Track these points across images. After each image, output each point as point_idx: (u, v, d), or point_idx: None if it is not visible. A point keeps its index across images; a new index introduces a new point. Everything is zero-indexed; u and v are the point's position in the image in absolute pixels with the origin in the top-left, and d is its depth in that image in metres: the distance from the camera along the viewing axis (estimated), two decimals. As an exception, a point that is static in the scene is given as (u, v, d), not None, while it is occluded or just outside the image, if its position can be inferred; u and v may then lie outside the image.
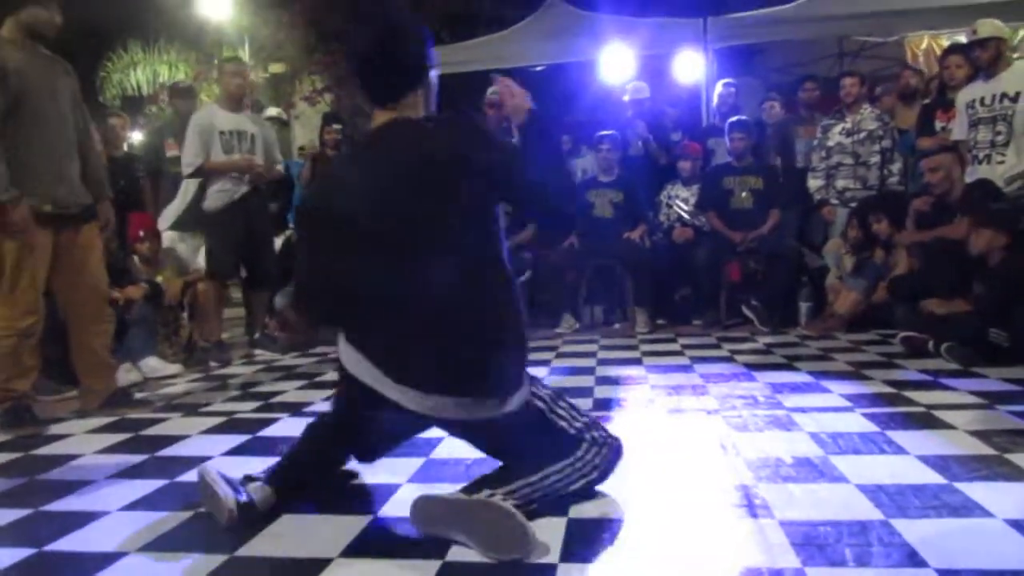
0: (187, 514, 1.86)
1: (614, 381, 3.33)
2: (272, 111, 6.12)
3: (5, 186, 2.71)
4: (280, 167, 4.78)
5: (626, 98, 5.94)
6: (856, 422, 2.43)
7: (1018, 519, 1.58)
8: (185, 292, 4.58)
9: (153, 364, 3.94)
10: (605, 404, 2.88)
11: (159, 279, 4.42)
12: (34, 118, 2.85)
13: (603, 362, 3.81)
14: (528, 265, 5.26)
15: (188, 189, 4.83)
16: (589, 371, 3.58)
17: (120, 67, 10.18)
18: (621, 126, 5.66)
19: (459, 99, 7.80)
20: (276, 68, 11.44)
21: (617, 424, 2.56)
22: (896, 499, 1.73)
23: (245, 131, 4.43)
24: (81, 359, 3.12)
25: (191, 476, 2.17)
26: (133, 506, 1.95)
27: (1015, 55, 5.32)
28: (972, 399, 2.70)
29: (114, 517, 1.87)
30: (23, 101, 2.81)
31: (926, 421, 2.42)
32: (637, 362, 3.78)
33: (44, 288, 2.95)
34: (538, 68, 7.30)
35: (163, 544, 1.69)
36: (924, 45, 7.20)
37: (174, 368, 4.04)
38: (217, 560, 1.57)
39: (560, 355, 4.09)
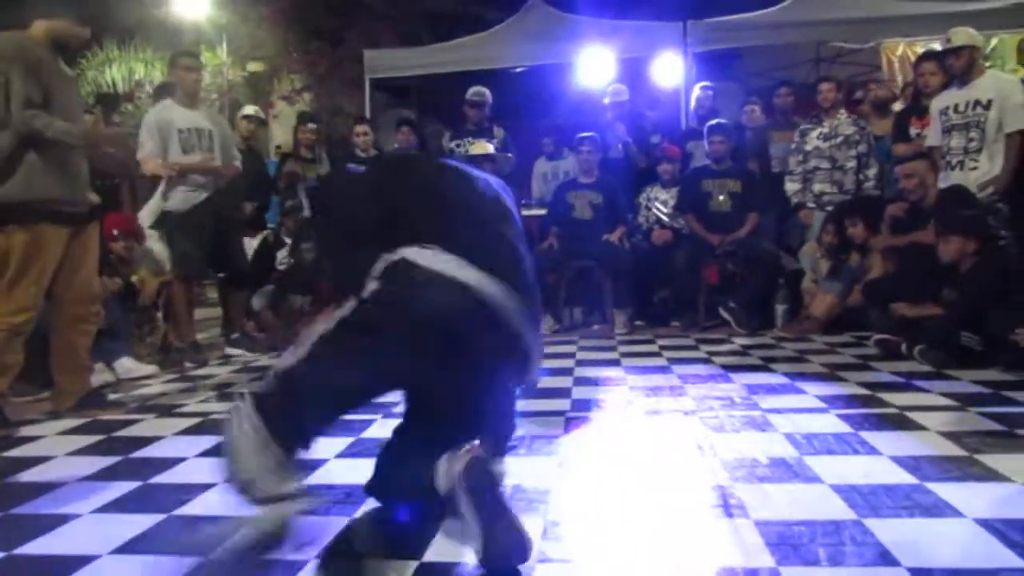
0: (160, 516, 1.83)
1: (593, 382, 3.34)
2: (249, 109, 6.04)
3: (68, 129, 2.78)
4: (237, 163, 4.60)
5: (606, 101, 5.96)
6: (830, 423, 2.46)
7: (988, 519, 1.60)
8: (161, 292, 4.52)
9: (127, 365, 3.88)
10: (583, 405, 2.89)
11: (134, 279, 4.36)
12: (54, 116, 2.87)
13: (582, 363, 3.82)
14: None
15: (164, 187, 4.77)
16: (568, 372, 3.58)
17: (95, 64, 10.02)
18: (601, 128, 5.68)
19: (439, 100, 7.82)
20: (255, 66, 11.34)
21: (595, 425, 2.57)
22: (869, 499, 1.75)
23: (203, 128, 4.30)
24: (60, 359, 3.07)
25: (165, 478, 2.15)
26: (105, 508, 1.92)
27: (987, 63, 5.43)
28: (944, 401, 2.74)
29: (86, 520, 1.84)
30: (49, 100, 2.84)
31: (899, 422, 2.45)
32: (615, 363, 3.79)
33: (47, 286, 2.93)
34: (518, 69, 7.31)
35: (136, 547, 1.66)
36: (899, 52, 7.31)
37: (149, 369, 3.98)
38: (191, 562, 1.55)
39: (539, 356, 4.09)
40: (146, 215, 4.67)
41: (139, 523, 1.79)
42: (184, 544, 1.66)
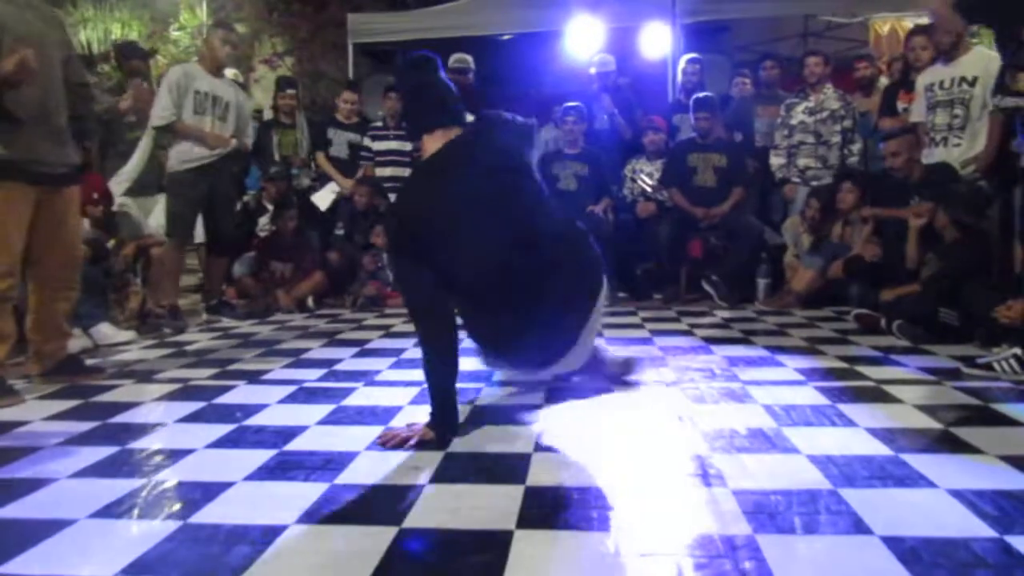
0: (139, 482, 1.82)
1: (575, 353, 3.34)
2: (228, 73, 5.92)
3: None
4: (248, 140, 4.69)
5: (592, 71, 5.91)
6: (809, 395, 2.49)
7: (960, 489, 1.63)
8: (138, 256, 4.46)
9: (105, 331, 3.83)
10: (565, 376, 2.89)
11: (111, 243, 4.29)
12: None
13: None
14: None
15: (146, 149, 4.70)
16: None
17: (69, 24, 9.76)
18: (587, 99, 5.64)
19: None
20: (235, 29, 11.10)
21: (576, 396, 2.58)
22: (844, 470, 1.77)
23: (221, 97, 4.39)
24: (39, 323, 3.00)
25: (142, 443, 2.14)
26: (82, 473, 1.90)
27: (974, 40, 5.42)
28: (920, 375, 2.78)
29: (63, 484, 1.83)
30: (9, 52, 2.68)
31: (876, 395, 2.48)
32: (598, 335, 3.79)
33: (23, 250, 2.83)
34: (505, 37, 7.22)
35: (113, 511, 1.65)
36: (887, 27, 7.29)
37: (127, 335, 3.94)
38: (169, 527, 1.55)
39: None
40: (123, 178, 4.60)
41: (117, 488, 1.78)
42: (163, 509, 1.65)
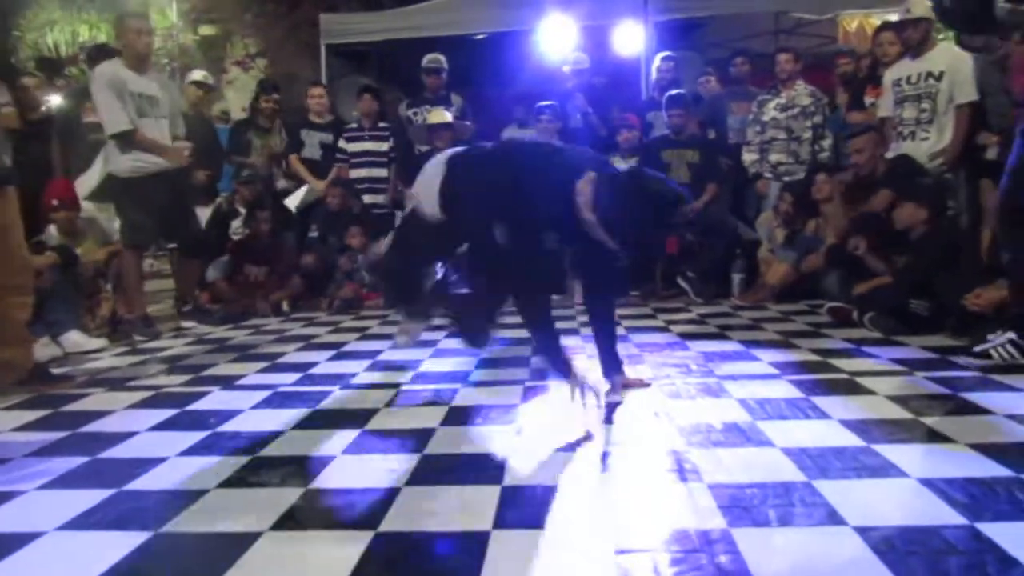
0: (109, 492, 1.79)
1: (552, 351, 3.35)
2: (197, 75, 5.84)
3: None
4: (181, 133, 4.42)
5: (566, 69, 5.91)
6: (783, 389, 2.51)
7: (931, 479, 1.65)
8: (109, 263, 4.39)
9: (75, 339, 3.76)
10: (542, 374, 2.89)
11: (79, 250, 4.22)
12: None
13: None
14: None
15: (108, 156, 4.62)
16: (527, 341, 3.58)
17: (36, 26, 9.60)
18: (561, 98, 5.64)
19: (398, 66, 7.66)
20: (207, 30, 10.98)
21: (553, 393, 2.58)
22: (818, 461, 1.79)
23: (153, 95, 4.16)
24: None
25: (114, 452, 2.10)
26: (52, 484, 1.87)
27: (940, 36, 5.51)
28: (892, 366, 2.81)
29: (31, 496, 1.79)
30: None
31: (849, 387, 2.51)
32: (575, 332, 3.80)
33: None
34: (479, 36, 7.20)
35: (83, 523, 1.62)
36: (856, 24, 7.38)
37: (98, 343, 3.88)
38: (141, 537, 1.52)
39: (499, 326, 4.08)
40: (83, 185, 4.50)
41: (87, 498, 1.75)
42: (134, 519, 1.62)
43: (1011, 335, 2.70)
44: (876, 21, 6.36)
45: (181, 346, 3.91)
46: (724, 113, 5.66)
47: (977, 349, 2.78)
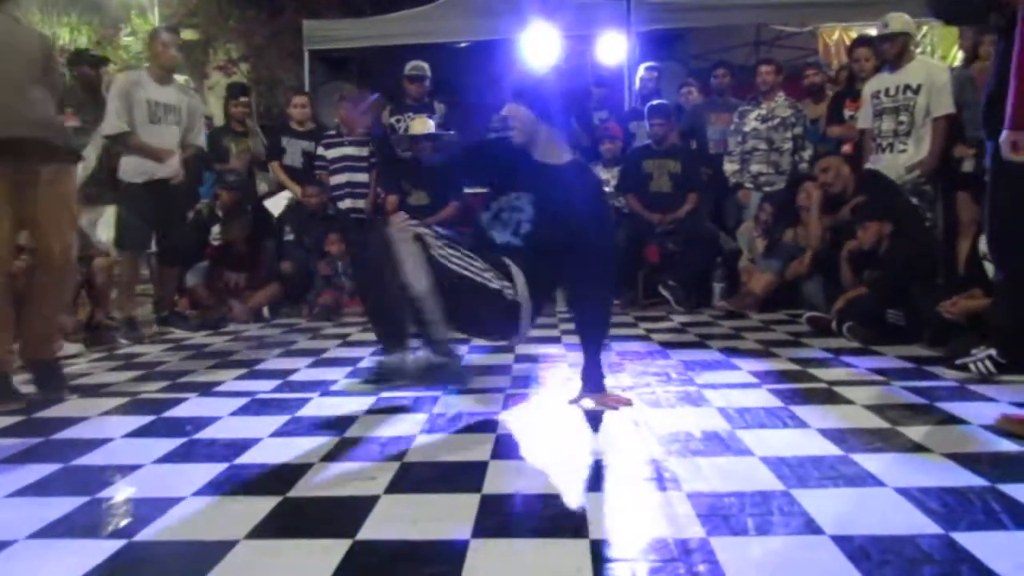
0: (83, 499, 1.76)
1: (533, 359, 3.35)
2: (179, 78, 5.79)
3: None
4: (201, 142, 4.65)
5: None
6: (762, 398, 2.53)
7: (907, 487, 1.67)
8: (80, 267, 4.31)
9: (50, 343, 3.70)
10: (523, 382, 2.89)
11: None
12: None
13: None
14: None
15: (90, 159, 4.57)
16: (508, 349, 3.58)
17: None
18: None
19: (381, 73, 7.65)
20: (188, 35, 10.88)
21: (534, 401, 2.58)
22: (796, 470, 1.80)
23: (172, 104, 4.36)
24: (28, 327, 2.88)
25: (88, 459, 2.07)
26: (23, 492, 1.83)
27: (917, 49, 5.60)
28: (869, 376, 2.84)
29: (3, 504, 1.76)
30: None
31: (827, 397, 2.53)
32: (556, 340, 3.81)
33: None
34: (462, 45, 7.22)
35: (55, 531, 1.59)
36: (835, 36, 7.49)
37: (73, 348, 3.83)
38: (114, 546, 1.50)
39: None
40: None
41: (60, 506, 1.72)
42: (108, 527, 1.60)
43: (992, 352, 2.75)
44: (854, 33, 6.47)
45: (158, 352, 3.86)
46: (704, 123, 5.71)
47: (958, 362, 2.82)
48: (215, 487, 1.82)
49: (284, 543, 1.51)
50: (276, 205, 5.52)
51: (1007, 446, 1.97)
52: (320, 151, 5.62)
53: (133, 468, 1.98)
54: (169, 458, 2.07)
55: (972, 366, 2.76)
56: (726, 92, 5.78)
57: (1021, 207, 2.58)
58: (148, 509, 1.68)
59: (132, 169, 4.26)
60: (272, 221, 5.50)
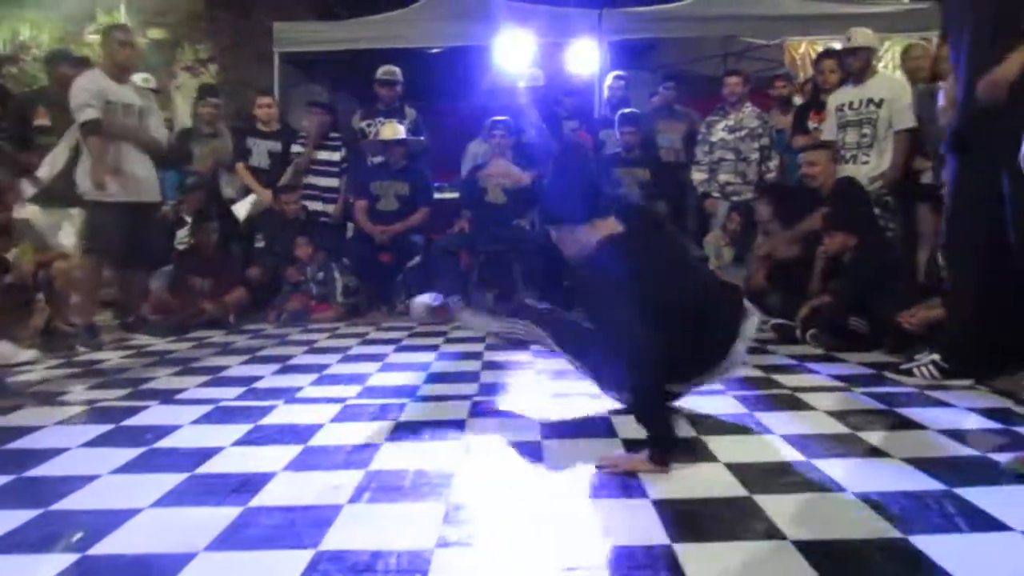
0: (36, 512, 1.71)
1: (501, 366, 3.34)
2: (138, 78, 5.67)
3: None
4: (160, 135, 4.53)
5: (521, 84, 5.94)
6: (728, 404, 2.55)
7: (867, 492, 1.69)
8: (38, 271, 4.20)
9: (3, 350, 3.60)
10: (491, 389, 2.88)
11: (12, 253, 4.04)
12: None
13: (491, 347, 3.81)
14: (418, 250, 5.21)
15: (57, 159, 4.46)
16: (477, 356, 3.57)
17: (-27, 24, 9.23)
18: (514, 113, 5.67)
19: (353, 77, 7.60)
20: (156, 34, 10.71)
21: (502, 408, 2.57)
22: (760, 476, 1.82)
23: (131, 104, 4.26)
24: None
25: (42, 470, 2.02)
26: (-27, 503, 1.78)
27: (880, 64, 5.73)
28: (832, 382, 2.88)
29: (-50, 516, 1.70)
30: None
31: (791, 403, 2.57)
32: (524, 347, 3.80)
33: None
34: (435, 50, 7.20)
35: (6, 544, 1.55)
36: (802, 49, 7.63)
37: (29, 354, 3.71)
38: (66, 560, 1.46)
39: (449, 340, 4.07)
40: (52, 166, 4.38)
41: (11, 519, 1.66)
42: (62, 540, 1.55)
43: (935, 357, 2.80)
44: (820, 47, 6.59)
45: (120, 358, 3.78)
46: (654, 132, 5.75)
47: (903, 367, 2.88)
48: (174, 497, 1.79)
49: (244, 554, 1.48)
50: (242, 209, 5.44)
51: (963, 450, 2.01)
52: (295, 148, 5.55)
53: (90, 479, 1.93)
54: (127, 468, 2.02)
55: (916, 371, 2.82)
56: (670, 104, 5.88)
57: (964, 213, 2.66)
58: (103, 522, 1.64)
59: (87, 189, 4.06)
60: (239, 225, 5.42)
